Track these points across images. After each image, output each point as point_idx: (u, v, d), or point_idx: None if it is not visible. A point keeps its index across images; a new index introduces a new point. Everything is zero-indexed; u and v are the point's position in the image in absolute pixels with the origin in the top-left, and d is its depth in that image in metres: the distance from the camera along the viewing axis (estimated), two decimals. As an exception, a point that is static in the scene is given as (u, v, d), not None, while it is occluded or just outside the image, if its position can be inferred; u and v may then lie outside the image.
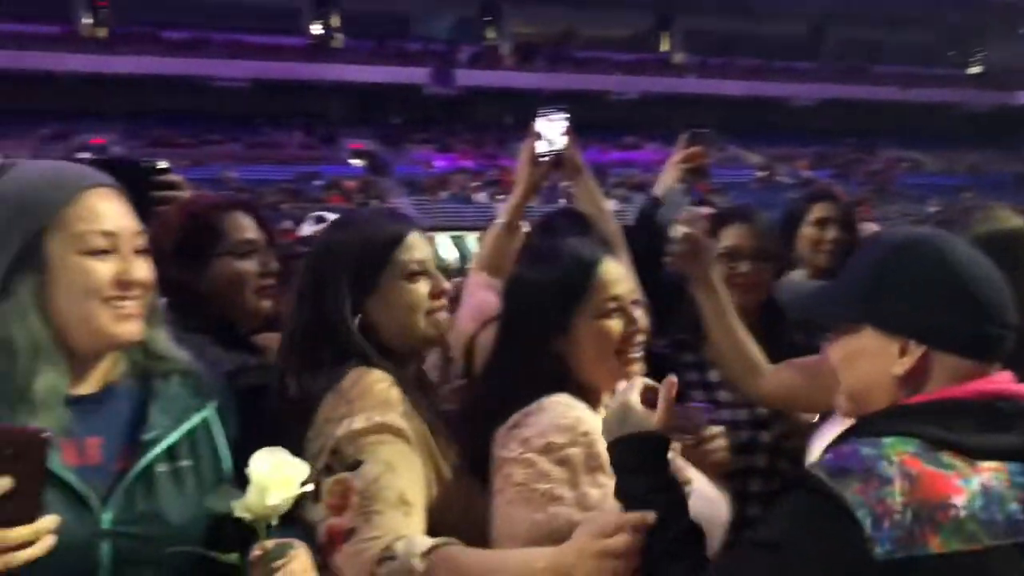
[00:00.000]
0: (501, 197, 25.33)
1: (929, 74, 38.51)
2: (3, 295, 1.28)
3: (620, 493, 1.31)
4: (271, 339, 1.86)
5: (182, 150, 26.49)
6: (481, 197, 26.23)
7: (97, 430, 1.32)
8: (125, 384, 1.38)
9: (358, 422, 1.38)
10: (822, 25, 40.37)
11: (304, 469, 1.23)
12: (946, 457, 1.15)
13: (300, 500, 1.27)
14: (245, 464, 1.32)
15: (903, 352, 1.23)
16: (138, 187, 1.45)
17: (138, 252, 1.34)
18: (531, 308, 1.61)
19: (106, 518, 1.28)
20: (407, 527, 1.31)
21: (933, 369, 1.23)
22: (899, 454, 1.14)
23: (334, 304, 1.53)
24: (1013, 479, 1.15)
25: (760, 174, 31.34)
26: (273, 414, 1.51)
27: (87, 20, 33.90)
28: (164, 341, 1.41)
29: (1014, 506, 1.13)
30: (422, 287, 1.58)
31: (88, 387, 1.35)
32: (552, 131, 2.34)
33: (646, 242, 2.49)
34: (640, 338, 1.61)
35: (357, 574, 1.28)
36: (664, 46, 40.19)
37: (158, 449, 1.34)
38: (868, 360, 1.27)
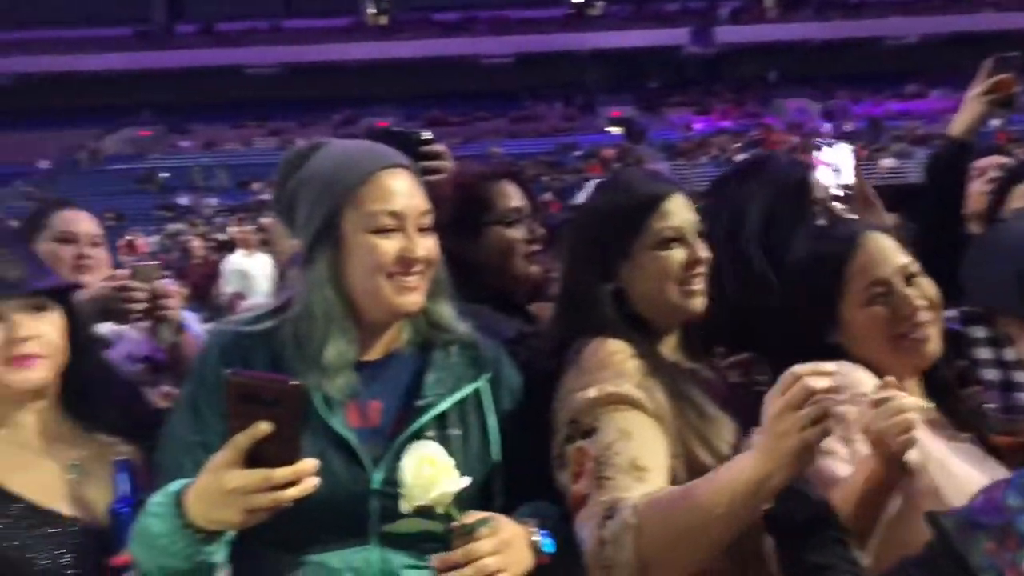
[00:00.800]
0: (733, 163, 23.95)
1: None
2: (307, 265, 1.39)
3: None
4: (544, 308, 1.95)
5: (454, 128, 28.23)
6: (743, 159, 25.32)
7: (379, 394, 1.40)
8: (408, 352, 1.45)
9: (592, 392, 1.37)
10: None
11: (450, 467, 1.22)
12: None
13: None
14: (522, 434, 1.43)
15: None
16: (408, 156, 1.49)
17: (423, 230, 1.39)
18: (800, 293, 1.56)
19: (376, 478, 1.34)
20: (639, 492, 1.27)
21: None
22: None
23: (585, 272, 1.52)
24: None
25: (1074, 118, 27.25)
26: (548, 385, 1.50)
27: (371, 10, 37.02)
28: (446, 312, 1.45)
29: None
30: (676, 255, 1.50)
31: (374, 354, 1.42)
32: (837, 159, 2.10)
33: (938, 198, 2.27)
34: (923, 316, 1.49)
35: (589, 538, 1.28)
36: (953, -20, 36.09)
37: (428, 416, 1.38)
38: None
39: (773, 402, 1.15)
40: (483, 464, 1.41)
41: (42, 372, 1.46)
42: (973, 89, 2.28)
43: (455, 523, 1.22)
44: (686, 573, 1.25)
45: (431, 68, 33.86)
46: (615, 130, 30.41)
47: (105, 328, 2.03)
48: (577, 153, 26.88)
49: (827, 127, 28.88)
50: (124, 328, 2.09)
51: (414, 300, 1.39)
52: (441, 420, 1.39)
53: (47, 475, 1.47)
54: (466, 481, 1.23)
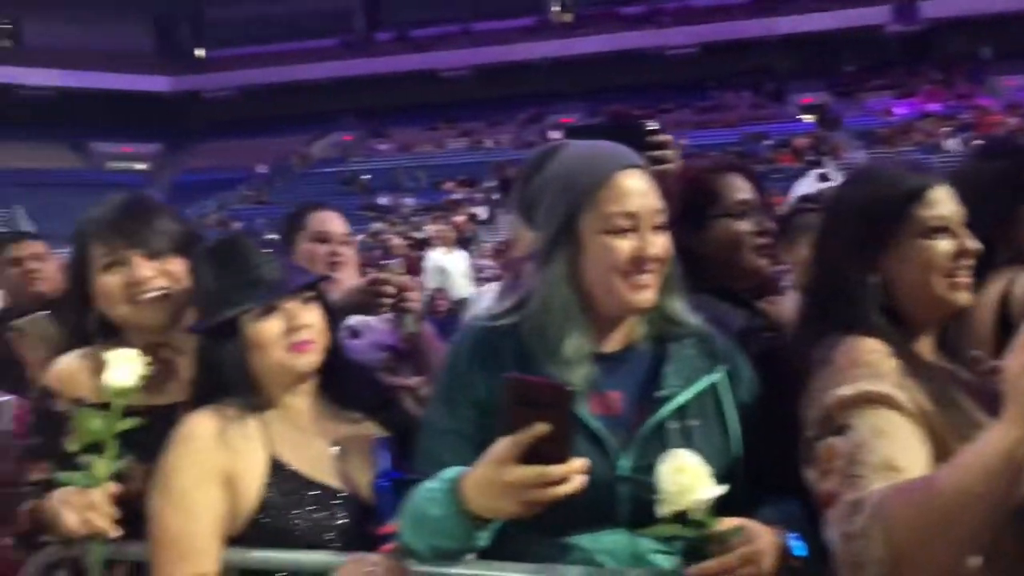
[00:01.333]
0: (978, 143, 21.97)
1: None
2: (545, 262, 1.45)
3: None
4: (776, 303, 1.96)
5: (637, 121, 28.00)
6: (952, 144, 23.43)
7: (618, 385, 1.45)
8: (644, 345, 1.49)
9: (847, 390, 1.33)
10: None
11: (704, 475, 1.24)
12: None
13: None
14: (757, 427, 1.46)
15: None
16: (634, 147, 1.51)
17: (656, 228, 1.43)
18: None
19: (623, 465, 1.39)
20: None
21: None
22: None
23: (843, 264, 1.47)
24: None
25: None
26: (782, 381, 1.48)
27: (555, 7, 37.54)
28: (679, 307, 1.49)
29: None
30: (943, 246, 1.45)
31: (612, 346, 1.48)
32: None
33: None
34: None
35: (837, 536, 1.23)
36: None
37: (670, 407, 1.42)
38: None
39: (1012, 360, 1.08)
40: (724, 457, 1.43)
41: (316, 356, 1.60)
42: None
43: (709, 531, 1.25)
44: (942, 570, 1.15)
45: (615, 62, 33.86)
46: (808, 118, 29.14)
47: (354, 319, 2.25)
48: (767, 143, 25.98)
49: (1052, 105, 26.16)
50: (370, 319, 2.30)
51: (647, 297, 1.43)
52: (681, 411, 1.43)
53: (316, 451, 1.60)
54: (722, 489, 1.24)
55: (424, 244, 11.60)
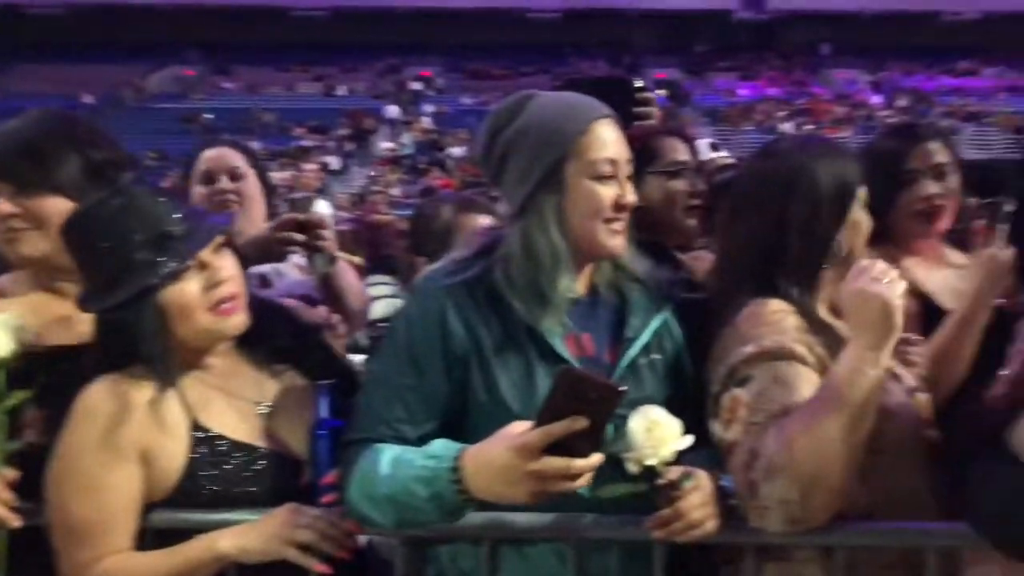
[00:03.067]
0: (810, 128, 23.91)
1: None
2: (526, 213, 1.45)
3: None
4: (697, 258, 1.97)
5: (497, 81, 27.99)
6: (788, 127, 24.95)
7: (588, 327, 1.49)
8: (604, 289, 1.53)
9: (750, 348, 1.41)
10: None
11: (676, 427, 1.27)
12: None
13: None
14: (696, 364, 1.51)
15: None
16: (617, 103, 1.56)
17: (628, 177, 1.49)
18: None
19: None
20: None
21: None
22: None
23: (765, 229, 1.51)
24: None
25: None
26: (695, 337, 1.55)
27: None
28: (633, 255, 1.54)
29: None
30: (864, 217, 1.53)
31: (582, 290, 1.51)
32: None
33: None
34: None
35: (742, 485, 1.31)
36: (1017, -45, 34.92)
37: (638, 345, 1.49)
38: None
39: (848, 286, 1.33)
40: (684, 388, 1.50)
41: (244, 315, 1.45)
42: None
43: (662, 481, 1.27)
44: (844, 486, 1.30)
45: (478, 19, 33.57)
46: (659, 92, 30.04)
47: (265, 267, 2.05)
48: (619, 114, 26.58)
49: (876, 100, 28.37)
50: (282, 266, 2.12)
51: (622, 243, 1.49)
52: (646, 349, 1.50)
53: (239, 411, 1.50)
54: (690, 440, 1.28)
55: (271, 191, 10.90)
